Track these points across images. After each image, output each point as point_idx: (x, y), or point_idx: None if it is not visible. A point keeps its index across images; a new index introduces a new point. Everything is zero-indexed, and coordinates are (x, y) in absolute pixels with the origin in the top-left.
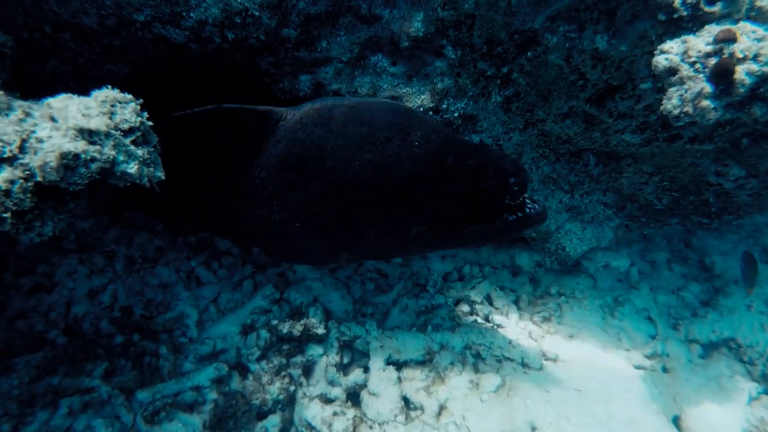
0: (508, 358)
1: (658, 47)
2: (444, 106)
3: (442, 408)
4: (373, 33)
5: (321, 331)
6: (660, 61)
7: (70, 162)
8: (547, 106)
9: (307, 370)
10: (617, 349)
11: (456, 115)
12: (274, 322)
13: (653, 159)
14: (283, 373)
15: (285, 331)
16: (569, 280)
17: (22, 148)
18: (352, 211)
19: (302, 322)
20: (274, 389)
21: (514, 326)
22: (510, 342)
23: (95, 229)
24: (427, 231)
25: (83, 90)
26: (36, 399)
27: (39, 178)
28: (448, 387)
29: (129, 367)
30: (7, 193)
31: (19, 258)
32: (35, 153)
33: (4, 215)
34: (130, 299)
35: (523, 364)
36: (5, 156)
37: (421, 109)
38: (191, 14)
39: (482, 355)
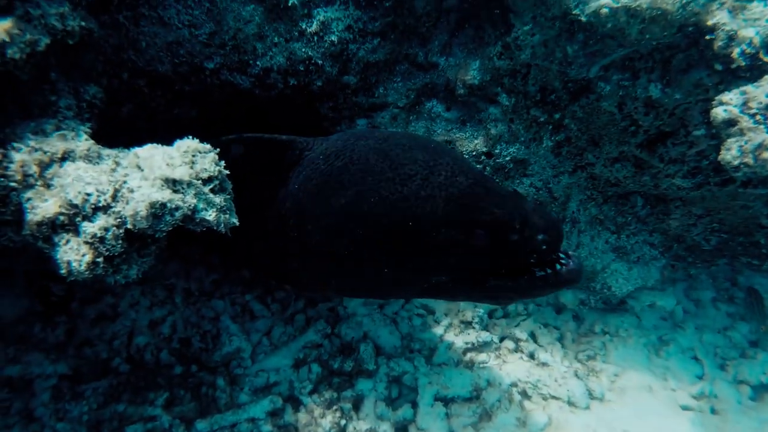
0: (554, 397)
1: (717, 98)
2: (497, 151)
3: None
4: (429, 80)
5: (372, 366)
6: (719, 112)
7: (158, 211)
8: (597, 150)
9: (357, 404)
10: (664, 389)
11: (508, 159)
12: (326, 356)
13: (704, 202)
14: (334, 407)
15: (336, 365)
16: (613, 319)
17: (115, 197)
18: (366, 251)
19: (353, 357)
20: (327, 423)
21: (559, 364)
22: (556, 380)
23: (156, 262)
24: (448, 281)
25: (152, 132)
26: (102, 424)
27: (129, 226)
28: (495, 424)
29: (188, 398)
30: (102, 239)
31: (85, 287)
32: (127, 202)
33: (98, 260)
34: (188, 331)
35: (570, 403)
36: (101, 205)
37: (474, 154)
38: (258, 62)
39: (528, 393)
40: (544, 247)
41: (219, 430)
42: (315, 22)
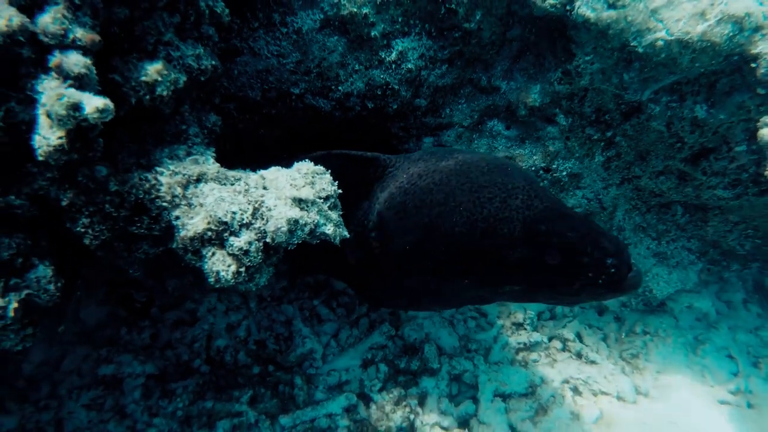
0: (603, 392)
1: (762, 120)
2: (554, 166)
3: None
4: (491, 102)
5: (436, 365)
6: (765, 133)
7: (293, 227)
8: (643, 164)
9: (422, 400)
10: (703, 386)
11: (564, 174)
12: (390, 356)
13: (741, 210)
14: (403, 403)
15: (403, 365)
16: (653, 320)
17: (254, 215)
18: (445, 266)
19: (419, 356)
20: (398, 417)
21: (606, 362)
22: (605, 377)
23: None
24: (519, 290)
25: (238, 151)
26: (191, 420)
27: (269, 240)
28: (550, 418)
29: (269, 395)
30: (246, 252)
31: (164, 294)
32: (266, 220)
33: (241, 270)
34: (262, 333)
35: (619, 398)
36: (244, 221)
37: (533, 168)
38: (339, 87)
39: (579, 389)
40: (613, 270)
41: (300, 424)
42: (394, 52)
